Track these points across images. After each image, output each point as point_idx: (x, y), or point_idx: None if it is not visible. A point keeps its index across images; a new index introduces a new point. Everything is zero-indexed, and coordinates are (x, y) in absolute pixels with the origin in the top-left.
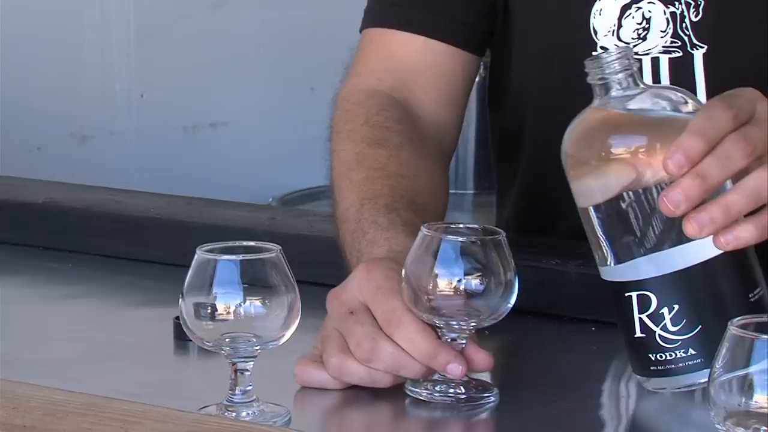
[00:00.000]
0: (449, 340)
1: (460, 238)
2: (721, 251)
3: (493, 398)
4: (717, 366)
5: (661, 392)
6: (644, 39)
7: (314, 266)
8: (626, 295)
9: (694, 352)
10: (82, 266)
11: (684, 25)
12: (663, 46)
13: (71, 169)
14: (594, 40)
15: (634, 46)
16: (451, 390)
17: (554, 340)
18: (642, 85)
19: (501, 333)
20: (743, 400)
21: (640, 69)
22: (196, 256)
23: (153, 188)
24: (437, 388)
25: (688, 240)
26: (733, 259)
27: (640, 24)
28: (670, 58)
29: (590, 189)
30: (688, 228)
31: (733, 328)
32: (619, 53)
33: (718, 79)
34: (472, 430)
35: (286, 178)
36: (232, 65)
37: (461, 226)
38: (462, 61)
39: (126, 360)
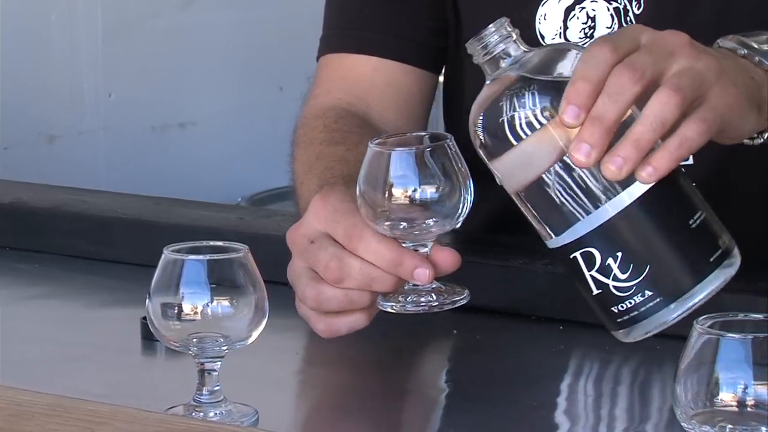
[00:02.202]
0: (412, 248)
1: (407, 149)
2: (649, 186)
3: (464, 299)
4: (682, 364)
5: (643, 339)
6: (591, 37)
7: (283, 266)
8: (570, 257)
9: (651, 293)
10: (48, 266)
11: (628, 18)
12: None
13: (39, 169)
14: (541, 44)
15: (583, 44)
16: (423, 299)
17: (522, 339)
18: (526, 49)
19: (469, 332)
20: (709, 398)
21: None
22: (163, 256)
23: (121, 188)
24: (408, 299)
25: (617, 192)
26: (663, 190)
27: (586, 23)
28: None
29: (511, 172)
30: (607, 172)
31: (698, 327)
32: (496, 25)
33: None
34: (438, 429)
35: (255, 177)
36: (201, 65)
37: (407, 134)
38: (417, 79)
39: (93, 360)
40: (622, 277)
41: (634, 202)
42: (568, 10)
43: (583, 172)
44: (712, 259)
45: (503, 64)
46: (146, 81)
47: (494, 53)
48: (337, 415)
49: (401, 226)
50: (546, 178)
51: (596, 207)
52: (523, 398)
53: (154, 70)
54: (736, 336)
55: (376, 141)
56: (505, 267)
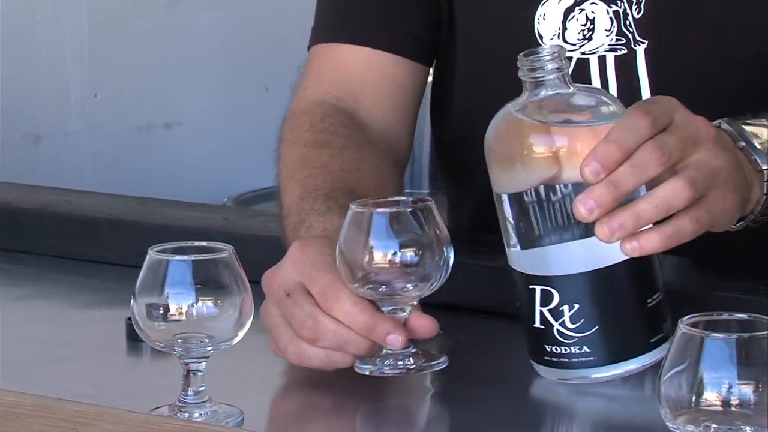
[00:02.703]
0: (391, 313)
1: (390, 209)
2: (626, 257)
3: (441, 365)
4: (667, 364)
5: (552, 380)
6: (590, 39)
7: (268, 266)
8: (530, 287)
9: (588, 350)
10: (34, 267)
11: (627, 22)
12: (609, 45)
13: (25, 170)
14: (540, 44)
15: (581, 46)
16: (400, 363)
17: (507, 340)
18: (572, 89)
19: (454, 333)
20: (693, 398)
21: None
22: (147, 257)
23: (107, 188)
24: (386, 363)
25: (593, 235)
26: (637, 264)
27: (585, 25)
28: (615, 56)
29: (508, 180)
30: (599, 233)
31: (683, 326)
32: (551, 54)
33: (660, 74)
34: (427, 428)
35: (241, 178)
36: (187, 65)
37: (388, 199)
38: (410, 71)
39: (78, 361)
40: (570, 326)
41: (609, 266)
42: (568, 11)
43: (574, 219)
44: (652, 341)
45: (543, 92)
46: (132, 81)
47: (540, 78)
48: (321, 415)
49: (380, 289)
50: (537, 194)
51: (569, 240)
52: (508, 398)
53: (139, 71)
54: (721, 336)
55: (357, 203)
56: (492, 267)
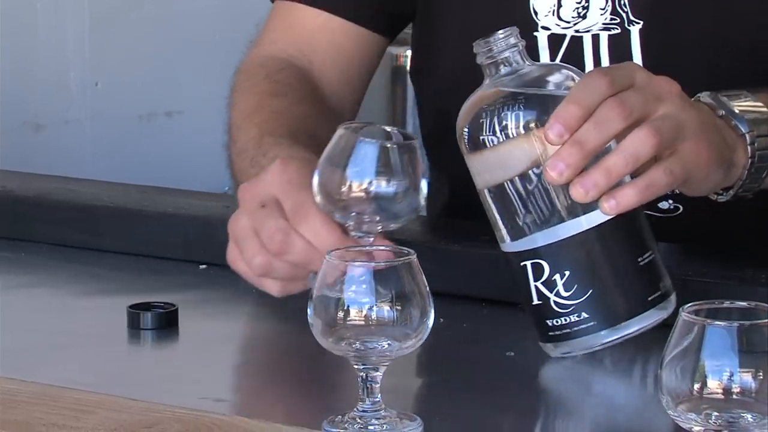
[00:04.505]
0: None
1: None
2: (609, 217)
3: (416, 429)
4: (668, 352)
5: (565, 357)
6: (584, 17)
7: None
8: (521, 264)
9: (587, 316)
10: (35, 255)
11: (622, 2)
12: (603, 24)
13: (25, 158)
14: (535, 20)
15: (575, 24)
16: (371, 427)
17: (508, 328)
18: (529, 63)
19: (456, 320)
20: (695, 386)
21: (532, 47)
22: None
23: (108, 177)
24: (356, 427)
25: (578, 214)
26: (622, 223)
27: (579, 3)
28: (609, 35)
29: (485, 170)
30: (574, 193)
31: (684, 314)
32: (505, 33)
33: (654, 55)
34: (428, 418)
35: None
36: (188, 53)
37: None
38: (363, 41)
39: (79, 349)
40: (565, 294)
41: (592, 228)
42: None
43: (551, 188)
44: (650, 299)
45: (503, 69)
46: (133, 70)
47: (497, 59)
48: (325, 403)
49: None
50: (516, 184)
51: (556, 224)
52: (509, 386)
53: (140, 59)
54: (722, 323)
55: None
56: (492, 255)
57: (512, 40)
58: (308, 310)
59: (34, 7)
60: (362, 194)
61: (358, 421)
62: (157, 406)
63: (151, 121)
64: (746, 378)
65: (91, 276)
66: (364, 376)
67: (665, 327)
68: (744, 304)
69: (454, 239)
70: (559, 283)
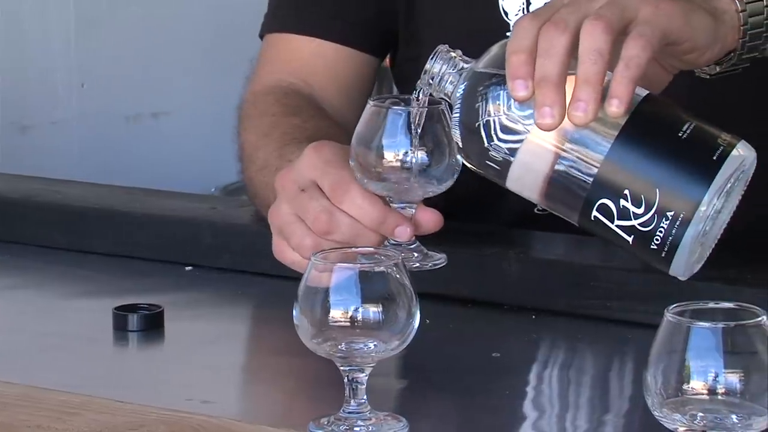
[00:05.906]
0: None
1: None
2: (622, 123)
3: (401, 430)
4: (653, 353)
5: (697, 268)
6: None
7: (255, 256)
8: (593, 218)
9: (672, 213)
10: (20, 257)
11: None
12: None
13: (11, 159)
14: (506, 21)
15: None
16: (357, 428)
17: (494, 328)
18: (466, 65)
19: (441, 321)
20: (680, 386)
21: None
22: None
23: (94, 178)
24: (341, 428)
25: (592, 138)
26: (638, 118)
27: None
28: None
29: (524, 173)
30: (576, 120)
31: (669, 315)
32: (432, 56)
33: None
34: (414, 419)
35: (229, 168)
36: (174, 54)
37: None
38: (356, 63)
39: (64, 351)
40: (640, 211)
41: (615, 140)
42: None
43: (570, 132)
44: (715, 158)
45: (454, 78)
46: (119, 71)
47: (442, 75)
48: (311, 404)
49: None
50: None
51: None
52: (495, 387)
53: (127, 60)
54: (707, 324)
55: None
56: (479, 256)
57: (445, 56)
58: (294, 311)
59: (20, 8)
60: (398, 164)
61: (344, 422)
62: (143, 408)
63: (137, 122)
64: (731, 379)
65: (77, 277)
66: (349, 378)
67: (651, 328)
68: (729, 304)
69: (440, 240)
70: (629, 205)
